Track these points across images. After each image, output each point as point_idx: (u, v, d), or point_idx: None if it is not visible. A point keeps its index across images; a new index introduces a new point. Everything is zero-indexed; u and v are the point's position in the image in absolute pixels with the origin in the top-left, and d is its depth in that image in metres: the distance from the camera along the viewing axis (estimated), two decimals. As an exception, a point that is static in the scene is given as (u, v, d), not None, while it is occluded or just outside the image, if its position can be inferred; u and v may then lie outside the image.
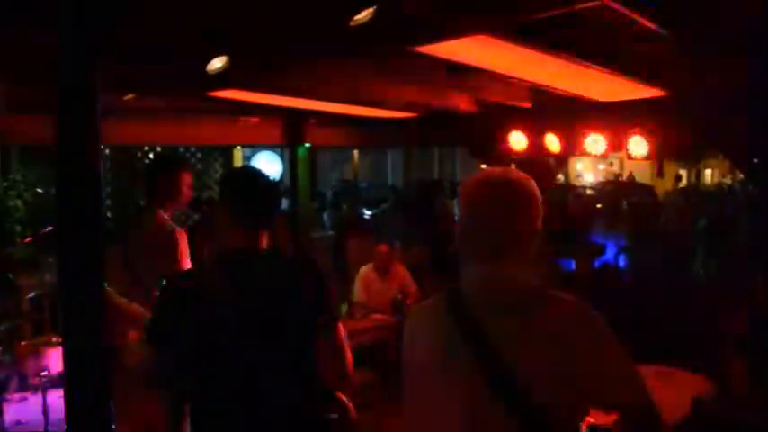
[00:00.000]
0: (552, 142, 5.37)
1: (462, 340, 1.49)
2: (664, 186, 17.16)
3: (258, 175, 2.13)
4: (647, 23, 2.35)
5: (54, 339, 4.25)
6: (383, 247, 5.95)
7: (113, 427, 1.83)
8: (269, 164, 9.95)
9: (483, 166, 6.50)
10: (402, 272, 6.00)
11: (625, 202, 14.62)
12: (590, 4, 2.09)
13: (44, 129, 1.87)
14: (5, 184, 7.86)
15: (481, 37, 2.51)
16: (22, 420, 3.95)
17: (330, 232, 9.67)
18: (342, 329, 2.02)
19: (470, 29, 2.43)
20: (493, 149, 5.86)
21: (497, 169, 1.59)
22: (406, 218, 9.16)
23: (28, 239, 5.11)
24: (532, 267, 1.55)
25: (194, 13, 2.37)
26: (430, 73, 3.47)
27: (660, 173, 19.41)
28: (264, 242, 2.08)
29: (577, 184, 19.88)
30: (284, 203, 5.79)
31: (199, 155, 9.13)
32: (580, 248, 5.22)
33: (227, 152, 9.56)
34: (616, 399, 1.48)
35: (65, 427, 1.82)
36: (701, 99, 3.96)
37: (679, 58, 3.13)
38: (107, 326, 1.86)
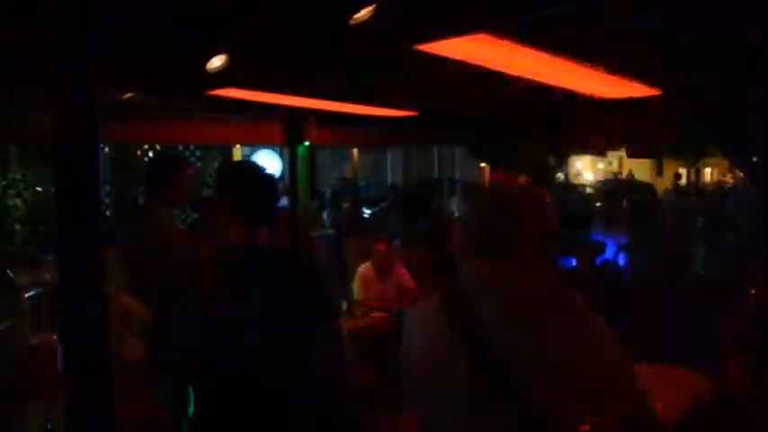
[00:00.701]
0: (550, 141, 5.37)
1: (459, 340, 1.49)
2: (663, 185, 17.19)
3: (257, 171, 2.10)
4: (647, 23, 2.35)
5: (53, 338, 4.25)
6: (381, 246, 5.94)
7: (113, 427, 1.83)
8: (268, 162, 9.96)
9: (482, 165, 6.54)
10: (401, 270, 5.99)
11: (625, 201, 14.62)
12: (590, 4, 2.09)
13: (43, 128, 1.87)
14: (5, 183, 7.86)
15: (481, 36, 2.51)
16: (22, 420, 3.94)
17: (330, 231, 9.67)
18: (341, 328, 2.02)
19: (470, 27, 2.42)
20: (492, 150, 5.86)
21: (504, 174, 1.61)
22: (405, 217, 9.16)
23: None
24: (533, 266, 1.55)
25: (194, 11, 2.37)
26: (430, 72, 3.47)
27: (659, 171, 19.43)
28: (264, 239, 2.07)
29: (577, 182, 19.88)
30: (284, 202, 5.79)
31: (198, 153, 9.13)
32: (580, 247, 5.21)
33: (226, 151, 9.55)
34: (614, 399, 1.48)
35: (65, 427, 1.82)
36: (700, 99, 3.96)
37: (679, 58, 3.13)
38: (108, 325, 1.86)
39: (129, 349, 2.86)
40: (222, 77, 3.05)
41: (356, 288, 5.91)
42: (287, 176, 6.51)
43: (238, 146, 8.82)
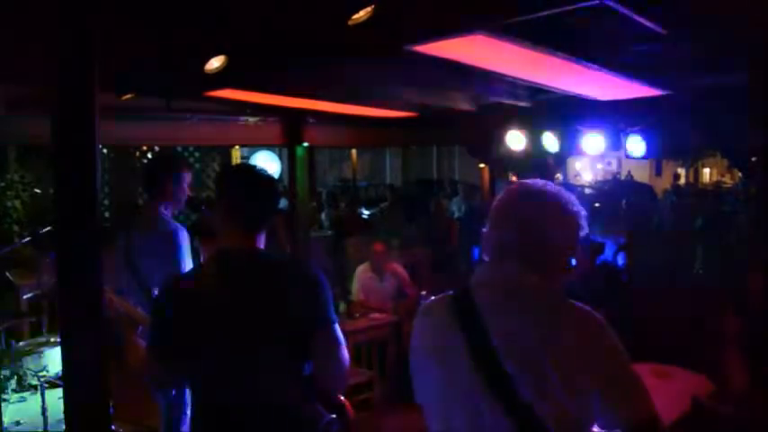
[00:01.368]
0: (550, 142, 5.38)
1: (464, 338, 1.50)
2: (662, 185, 17.20)
3: (256, 175, 2.09)
4: (648, 23, 2.35)
5: (52, 339, 4.25)
6: (379, 247, 5.94)
7: (112, 427, 1.83)
8: (267, 163, 9.94)
9: (481, 166, 6.54)
10: (399, 271, 6.00)
11: (624, 201, 14.65)
12: (590, 4, 2.09)
13: (43, 129, 1.87)
14: (3, 184, 7.85)
15: (480, 36, 2.51)
16: (21, 420, 3.95)
17: (329, 232, 9.67)
18: (338, 329, 2.01)
19: (469, 27, 2.42)
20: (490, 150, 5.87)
21: (534, 180, 1.61)
22: (404, 217, 9.17)
23: (26, 239, 5.11)
24: (554, 278, 1.56)
25: (193, 12, 2.37)
26: (429, 72, 3.47)
27: (658, 172, 19.43)
28: (262, 242, 2.06)
29: (576, 182, 19.90)
30: (283, 203, 5.79)
31: (197, 154, 9.12)
32: (579, 247, 5.22)
33: (225, 151, 9.54)
34: (617, 409, 1.46)
35: (64, 427, 1.81)
36: (700, 99, 3.96)
37: (679, 59, 3.13)
38: (107, 326, 1.86)
39: (130, 351, 2.86)
40: (221, 78, 3.05)
41: (355, 289, 5.91)
42: (286, 177, 6.51)
43: (237, 146, 8.80)
